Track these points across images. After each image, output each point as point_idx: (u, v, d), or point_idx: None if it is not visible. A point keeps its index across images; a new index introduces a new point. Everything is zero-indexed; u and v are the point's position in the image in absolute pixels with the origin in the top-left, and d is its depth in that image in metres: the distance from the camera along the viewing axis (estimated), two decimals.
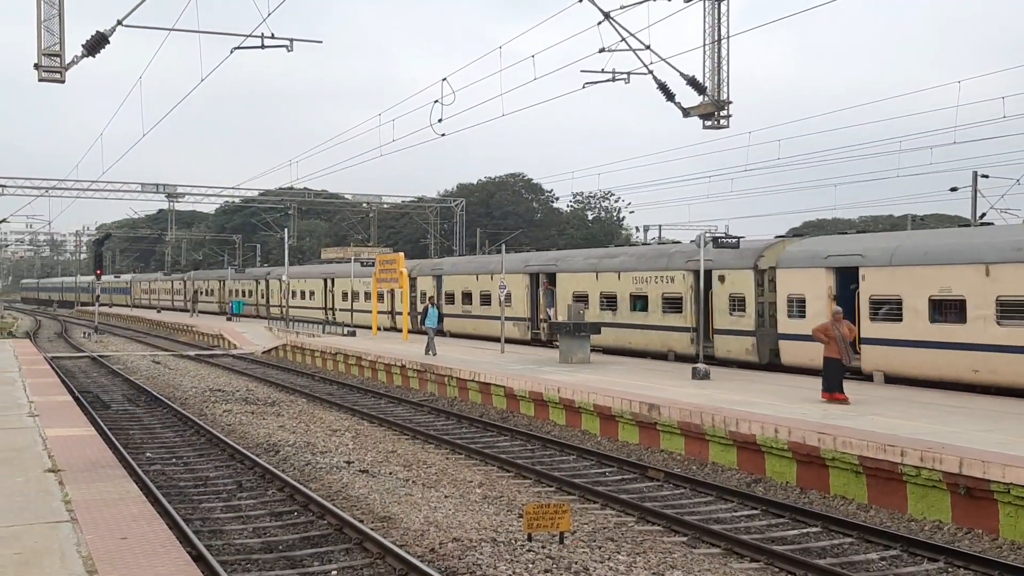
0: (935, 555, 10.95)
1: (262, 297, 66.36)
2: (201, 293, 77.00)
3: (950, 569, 10.59)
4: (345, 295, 51.28)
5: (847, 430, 14.43)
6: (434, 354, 29.90)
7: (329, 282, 54.54)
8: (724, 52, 23.05)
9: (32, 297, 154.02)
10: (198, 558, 9.92)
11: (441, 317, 33.51)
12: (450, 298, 40.35)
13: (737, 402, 17.92)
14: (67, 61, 20.18)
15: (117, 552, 8.38)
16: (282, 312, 54.99)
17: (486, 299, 37.55)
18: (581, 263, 32.34)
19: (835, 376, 18.17)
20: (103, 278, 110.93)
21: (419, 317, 35.98)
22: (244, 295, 69.34)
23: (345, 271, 49.78)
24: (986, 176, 42.29)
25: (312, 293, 56.86)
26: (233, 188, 74.79)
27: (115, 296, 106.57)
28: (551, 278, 33.78)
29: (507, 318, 33.18)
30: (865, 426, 14.84)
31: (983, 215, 40.95)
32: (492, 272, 36.63)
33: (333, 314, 53.02)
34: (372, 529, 11.65)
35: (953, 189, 45.10)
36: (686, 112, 23.24)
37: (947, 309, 19.91)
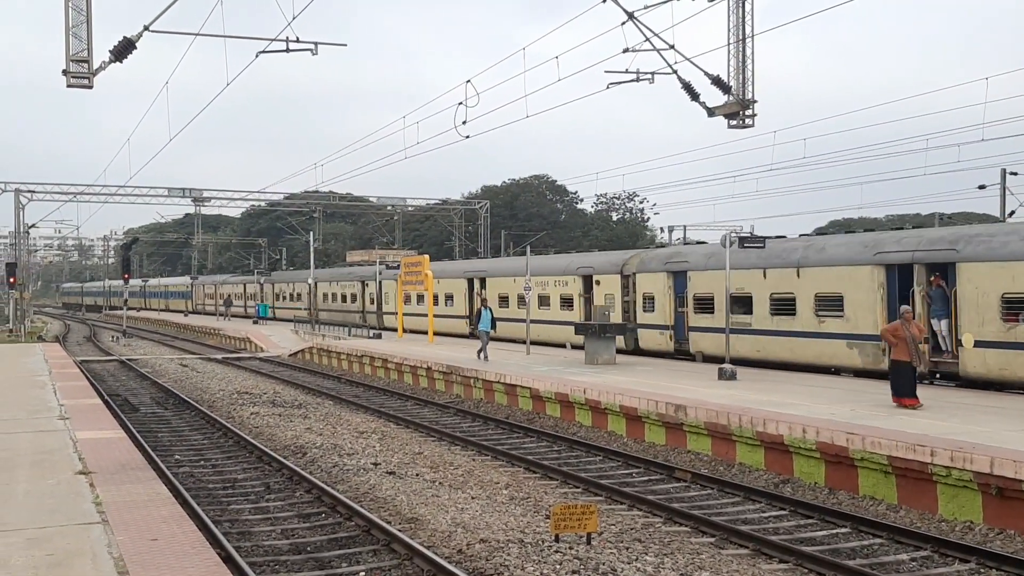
0: (966, 556, 10.84)
1: (371, 302, 52.74)
2: (284, 297, 68.36)
3: (982, 570, 10.49)
4: (504, 299, 38.90)
5: (876, 430, 14.32)
6: (486, 358, 28.34)
7: (478, 282, 41.68)
8: (748, 51, 22.95)
9: (75, 303, 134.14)
10: (227, 559, 9.97)
11: (494, 320, 29.98)
12: (705, 304, 27.60)
13: (764, 403, 17.83)
14: (95, 67, 20.37)
15: (148, 553, 8.44)
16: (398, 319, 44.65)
17: (784, 306, 24.94)
18: (1020, 245, 19.39)
19: (905, 380, 17.28)
20: (163, 280, 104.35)
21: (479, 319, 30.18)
22: (345, 300, 56.98)
23: (505, 267, 39.90)
24: (1015, 173, 41.97)
25: (449, 297, 44.35)
26: (259, 192, 75.44)
27: (172, 301, 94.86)
28: (941, 270, 21.20)
29: (833, 335, 23.39)
30: (894, 426, 14.72)
31: (1012, 212, 40.58)
32: (799, 264, 24.54)
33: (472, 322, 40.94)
34: (399, 530, 11.68)
35: (981, 187, 44.81)
36: (711, 112, 23.18)
37: None
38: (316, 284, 58.01)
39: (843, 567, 10.28)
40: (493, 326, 29.89)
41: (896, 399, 17.33)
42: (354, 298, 55.84)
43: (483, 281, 41.29)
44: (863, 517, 12.46)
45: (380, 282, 50.22)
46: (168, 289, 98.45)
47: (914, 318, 19.28)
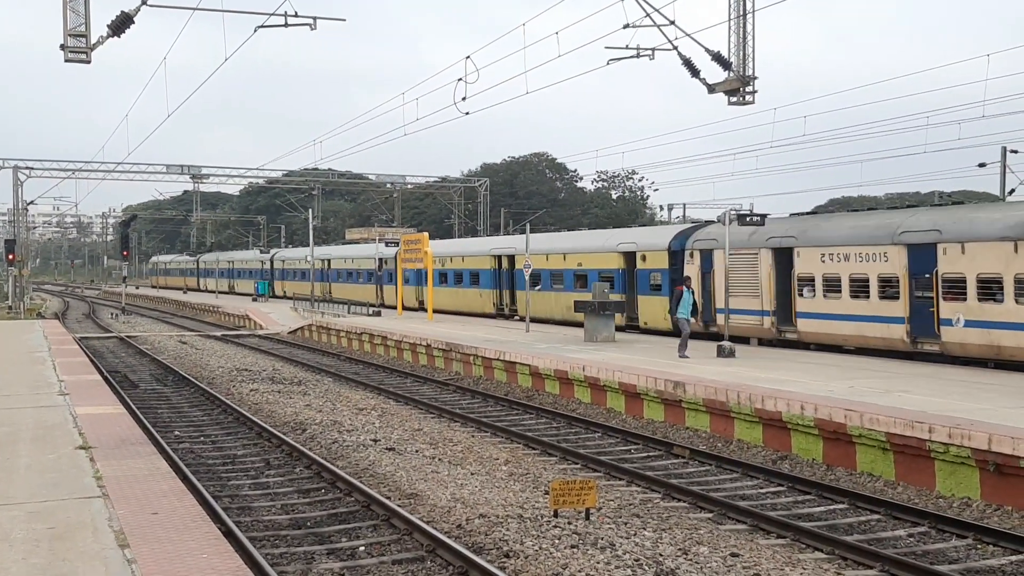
0: (964, 532, 10.89)
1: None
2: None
3: (979, 546, 10.53)
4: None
5: (874, 407, 14.35)
6: (686, 354, 22.11)
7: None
8: (749, 27, 22.82)
9: (178, 285, 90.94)
10: (228, 534, 10.00)
11: (696, 305, 23.49)
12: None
13: (763, 379, 17.86)
14: (93, 41, 20.28)
15: (148, 527, 8.47)
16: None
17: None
18: None
19: None
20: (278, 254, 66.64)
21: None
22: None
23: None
24: (1015, 151, 41.87)
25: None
26: (257, 169, 74.75)
27: (288, 283, 63.61)
28: None
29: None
30: (892, 403, 14.76)
31: (1012, 191, 40.54)
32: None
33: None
34: (399, 506, 11.71)
35: (981, 165, 44.68)
36: (711, 88, 23.06)
37: None
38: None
39: (841, 543, 10.32)
40: (695, 312, 23.57)
41: None
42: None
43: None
44: (861, 493, 12.51)
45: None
46: (290, 266, 61.77)
47: None
